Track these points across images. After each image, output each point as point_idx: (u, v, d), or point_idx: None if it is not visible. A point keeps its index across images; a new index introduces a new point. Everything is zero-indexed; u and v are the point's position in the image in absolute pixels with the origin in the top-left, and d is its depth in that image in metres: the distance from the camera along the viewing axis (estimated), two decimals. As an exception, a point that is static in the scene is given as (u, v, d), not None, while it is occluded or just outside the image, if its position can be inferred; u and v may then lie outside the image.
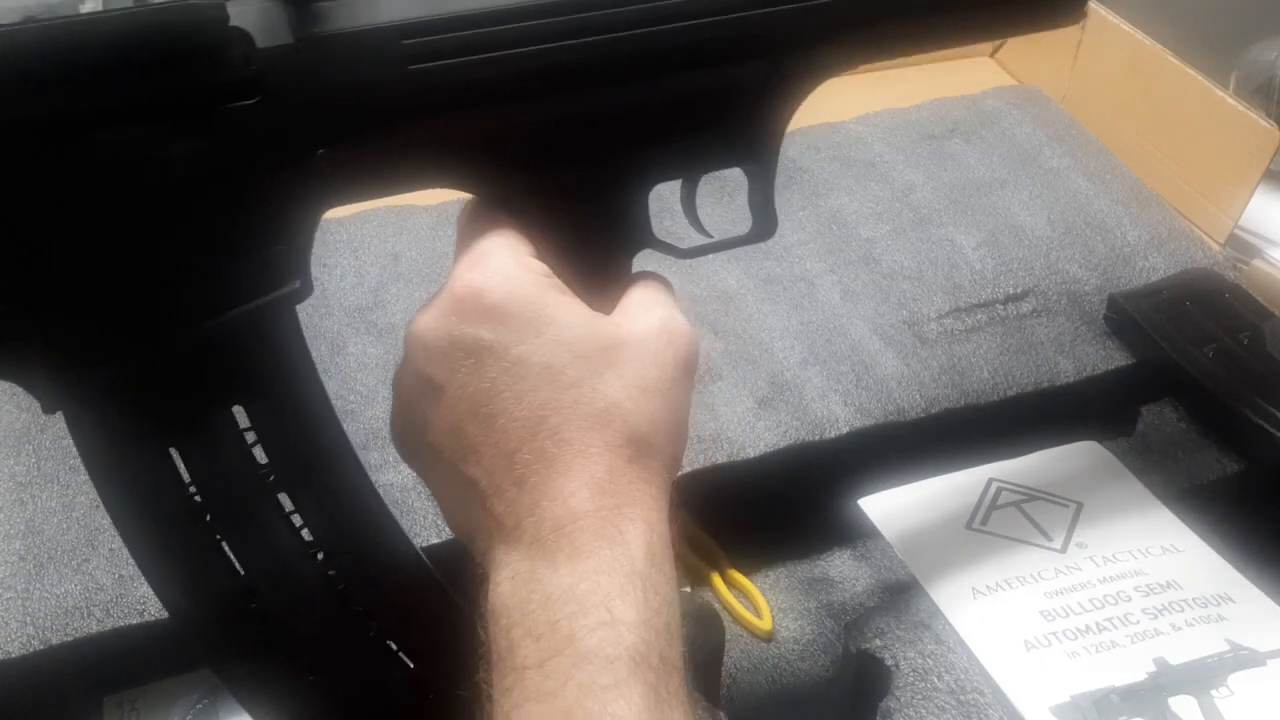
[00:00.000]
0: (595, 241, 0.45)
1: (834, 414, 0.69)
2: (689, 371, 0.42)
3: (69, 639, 0.57)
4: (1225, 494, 0.69)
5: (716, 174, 0.49)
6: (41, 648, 0.57)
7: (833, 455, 0.69)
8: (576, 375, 0.39)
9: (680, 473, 0.43)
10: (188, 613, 0.40)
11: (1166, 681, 0.56)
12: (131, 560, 0.59)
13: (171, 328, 0.37)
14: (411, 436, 0.41)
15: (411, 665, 0.43)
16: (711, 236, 0.50)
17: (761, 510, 0.68)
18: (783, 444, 0.68)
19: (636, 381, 0.40)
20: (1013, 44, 1.09)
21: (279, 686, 0.42)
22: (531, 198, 0.43)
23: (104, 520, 0.62)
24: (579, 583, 0.36)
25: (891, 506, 0.67)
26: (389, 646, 0.43)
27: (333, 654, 0.42)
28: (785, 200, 0.51)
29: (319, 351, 0.50)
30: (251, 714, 0.43)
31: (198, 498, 0.39)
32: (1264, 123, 0.84)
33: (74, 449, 0.64)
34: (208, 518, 0.40)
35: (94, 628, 0.57)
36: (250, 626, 0.41)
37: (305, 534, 0.41)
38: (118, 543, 0.61)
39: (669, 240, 0.48)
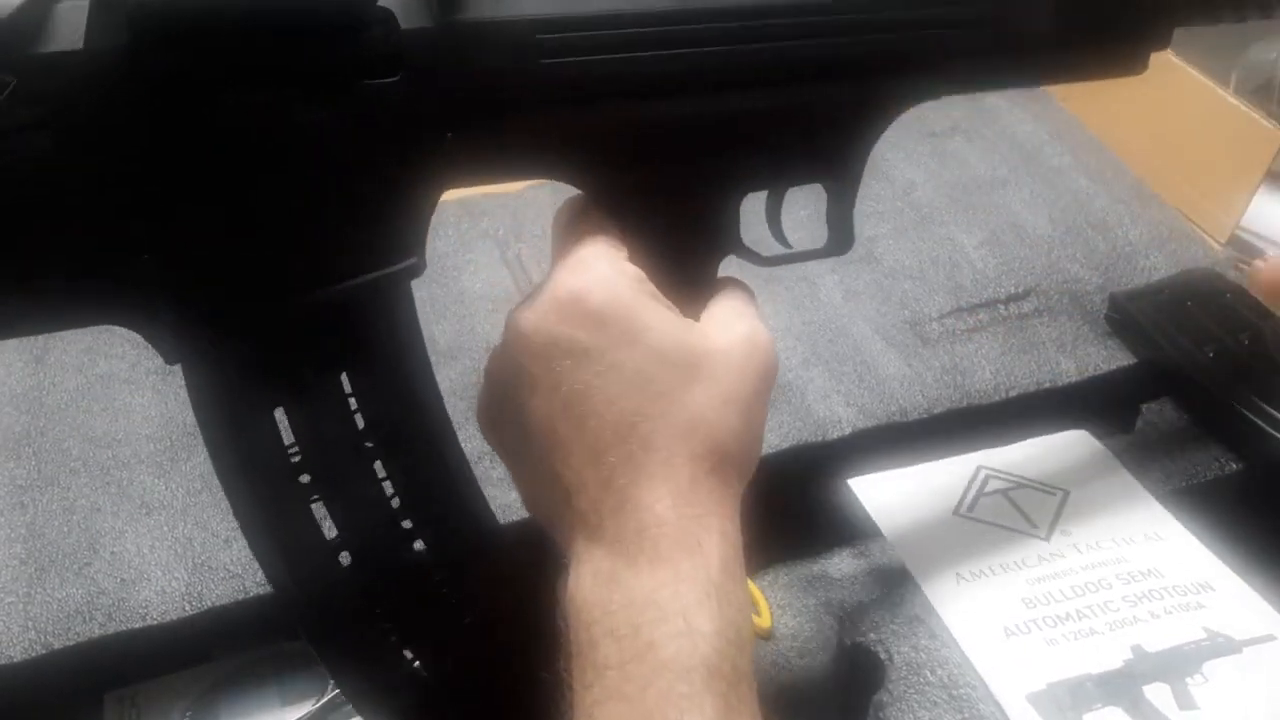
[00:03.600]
0: (688, 242, 0.46)
1: (836, 415, 0.69)
2: (769, 382, 0.44)
3: (71, 643, 0.57)
4: (1223, 491, 0.69)
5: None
6: (43, 652, 0.56)
7: (835, 456, 0.69)
8: (666, 385, 0.40)
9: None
10: (280, 569, 0.42)
11: (1142, 669, 0.56)
12: (133, 565, 0.60)
13: (291, 292, 0.39)
14: (499, 419, 0.43)
15: (484, 642, 0.44)
16: (791, 248, 0.52)
17: (762, 510, 0.68)
18: (785, 444, 0.68)
19: (721, 394, 0.41)
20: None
21: (363, 651, 0.43)
22: (632, 195, 0.44)
23: (105, 524, 0.62)
24: (659, 589, 0.38)
25: (881, 489, 0.68)
26: (465, 619, 0.44)
27: (415, 621, 0.43)
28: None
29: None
30: (336, 680, 0.44)
31: (297, 457, 0.40)
32: (1265, 123, 0.84)
33: (74, 452, 0.66)
34: (305, 478, 0.41)
35: (96, 631, 0.57)
36: (338, 587, 0.42)
37: (395, 502, 0.42)
38: (119, 546, 0.61)
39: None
